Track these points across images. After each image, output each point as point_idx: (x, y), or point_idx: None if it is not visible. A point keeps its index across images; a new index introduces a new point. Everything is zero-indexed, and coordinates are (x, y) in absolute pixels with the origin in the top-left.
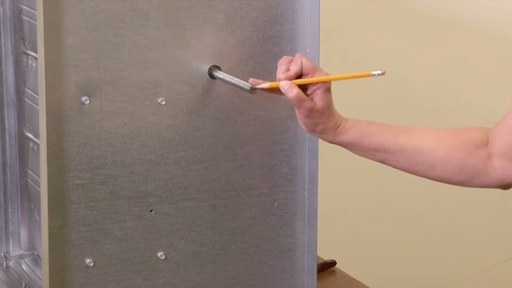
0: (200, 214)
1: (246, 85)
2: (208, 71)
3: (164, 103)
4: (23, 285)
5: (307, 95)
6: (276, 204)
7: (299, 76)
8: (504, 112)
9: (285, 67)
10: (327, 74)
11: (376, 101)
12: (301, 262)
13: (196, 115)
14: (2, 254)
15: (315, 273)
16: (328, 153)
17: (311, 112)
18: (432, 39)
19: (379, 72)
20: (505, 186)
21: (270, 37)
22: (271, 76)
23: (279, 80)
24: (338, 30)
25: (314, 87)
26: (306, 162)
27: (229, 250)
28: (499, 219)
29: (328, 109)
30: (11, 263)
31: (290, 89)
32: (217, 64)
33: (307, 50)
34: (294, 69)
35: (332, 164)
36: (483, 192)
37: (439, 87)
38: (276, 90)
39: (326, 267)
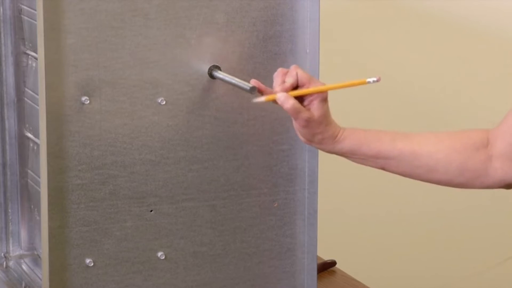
0: (200, 214)
1: (246, 85)
2: (208, 71)
3: (164, 103)
4: (23, 285)
5: (304, 106)
6: (276, 204)
7: (295, 87)
8: (504, 112)
9: (280, 79)
10: (323, 85)
11: (376, 101)
12: (301, 262)
13: (196, 115)
14: (2, 254)
15: (315, 273)
16: (328, 153)
17: (309, 123)
18: (432, 39)
19: (374, 79)
20: (507, 186)
21: (270, 37)
22: (271, 76)
23: (276, 93)
24: (338, 30)
25: (310, 98)
26: (306, 162)
27: (229, 250)
28: (499, 219)
29: (325, 118)
30: (11, 263)
31: (286, 100)
32: (217, 64)
33: (307, 50)
34: (289, 80)
35: (332, 164)
36: (483, 192)
37: (439, 87)
38: (274, 102)
39: (326, 267)
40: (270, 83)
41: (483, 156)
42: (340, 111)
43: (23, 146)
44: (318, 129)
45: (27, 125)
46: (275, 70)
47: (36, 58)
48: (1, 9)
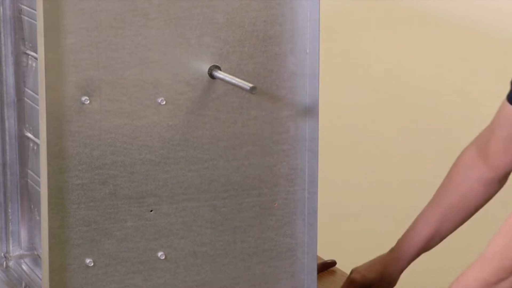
0: (200, 214)
1: (246, 85)
2: (208, 71)
3: (164, 103)
4: (23, 285)
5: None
6: (276, 204)
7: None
8: None
9: None
10: None
11: (376, 101)
12: (301, 262)
13: (196, 115)
14: (2, 254)
15: (315, 273)
16: (328, 153)
17: None
18: (432, 39)
19: None
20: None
21: (270, 37)
22: (271, 76)
23: None
24: (338, 30)
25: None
26: (306, 162)
27: (229, 250)
28: (499, 219)
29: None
30: (11, 263)
31: None
32: (217, 64)
33: (307, 50)
34: None
35: (332, 164)
36: None
37: (439, 87)
38: None
39: (326, 267)
40: (270, 83)
41: (493, 183)
42: (340, 111)
43: (23, 146)
44: None
45: (27, 125)
46: (275, 70)
47: (36, 58)
48: (1, 9)
